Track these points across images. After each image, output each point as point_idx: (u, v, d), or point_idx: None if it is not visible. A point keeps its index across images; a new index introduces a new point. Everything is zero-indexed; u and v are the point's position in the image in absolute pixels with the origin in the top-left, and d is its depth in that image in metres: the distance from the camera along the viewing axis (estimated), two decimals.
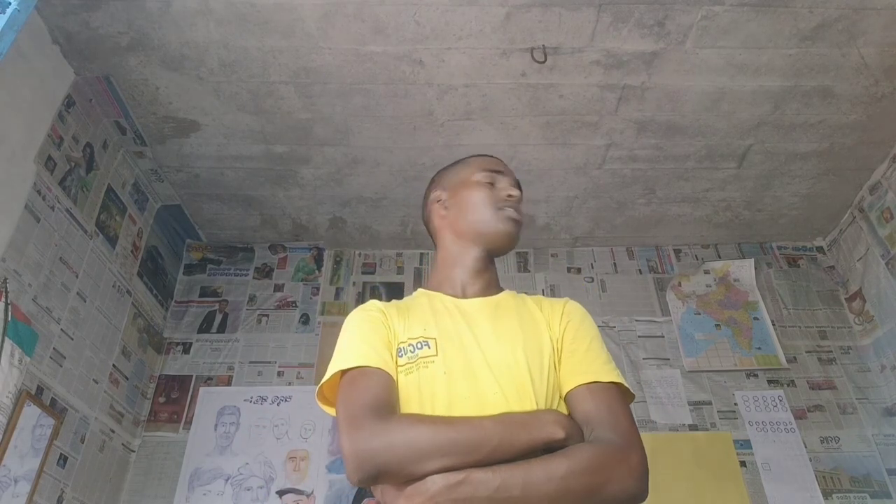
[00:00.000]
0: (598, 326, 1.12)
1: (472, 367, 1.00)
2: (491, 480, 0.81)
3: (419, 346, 1.04)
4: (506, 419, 0.89)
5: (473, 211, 1.18)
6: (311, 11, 2.06)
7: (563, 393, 1.00)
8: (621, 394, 0.99)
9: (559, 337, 1.07)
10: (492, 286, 1.19)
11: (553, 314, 1.11)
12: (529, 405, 0.95)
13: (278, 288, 3.07)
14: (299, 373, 2.82)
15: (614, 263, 3.17)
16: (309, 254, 3.19)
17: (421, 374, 1.00)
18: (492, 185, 1.21)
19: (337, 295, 3.07)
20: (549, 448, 0.87)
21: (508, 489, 0.80)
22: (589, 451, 0.86)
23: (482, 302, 1.14)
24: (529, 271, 3.15)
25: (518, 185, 1.24)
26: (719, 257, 3.17)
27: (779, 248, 3.20)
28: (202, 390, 2.75)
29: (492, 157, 1.29)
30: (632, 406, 0.99)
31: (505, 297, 1.17)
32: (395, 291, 3.08)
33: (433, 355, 1.02)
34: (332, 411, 1.04)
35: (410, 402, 0.97)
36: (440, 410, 0.95)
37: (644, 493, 0.85)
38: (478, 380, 0.98)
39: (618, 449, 0.87)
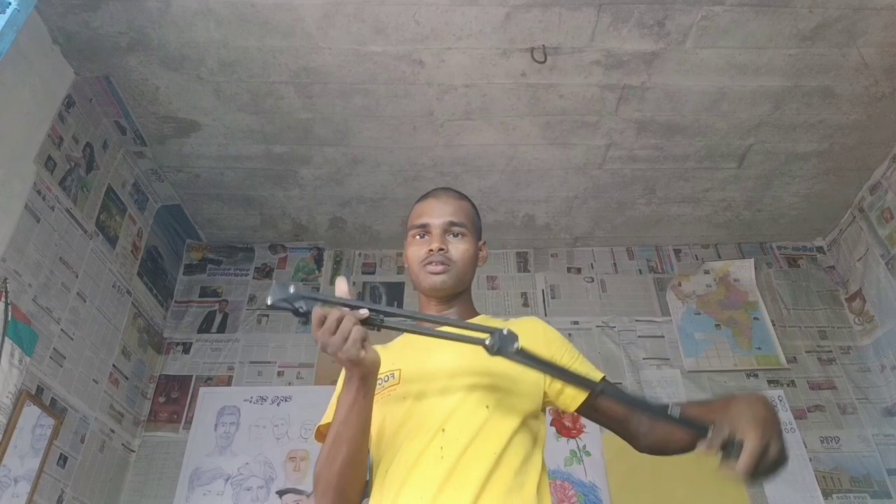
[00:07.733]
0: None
1: None
2: None
3: None
4: None
5: (409, 267, 1.30)
6: (311, 11, 2.06)
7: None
8: None
9: None
10: (463, 316, 1.27)
11: None
12: None
13: None
14: (299, 373, 2.82)
15: (614, 263, 3.17)
16: (309, 254, 3.19)
17: None
18: (423, 237, 1.27)
19: None
20: None
21: None
22: None
23: None
24: (529, 271, 3.15)
25: (450, 225, 1.27)
26: (719, 257, 3.17)
27: (779, 248, 3.20)
28: (202, 390, 2.75)
29: (426, 200, 1.33)
30: None
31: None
32: (395, 291, 3.08)
33: None
34: None
35: None
36: None
37: None
38: None
39: None
